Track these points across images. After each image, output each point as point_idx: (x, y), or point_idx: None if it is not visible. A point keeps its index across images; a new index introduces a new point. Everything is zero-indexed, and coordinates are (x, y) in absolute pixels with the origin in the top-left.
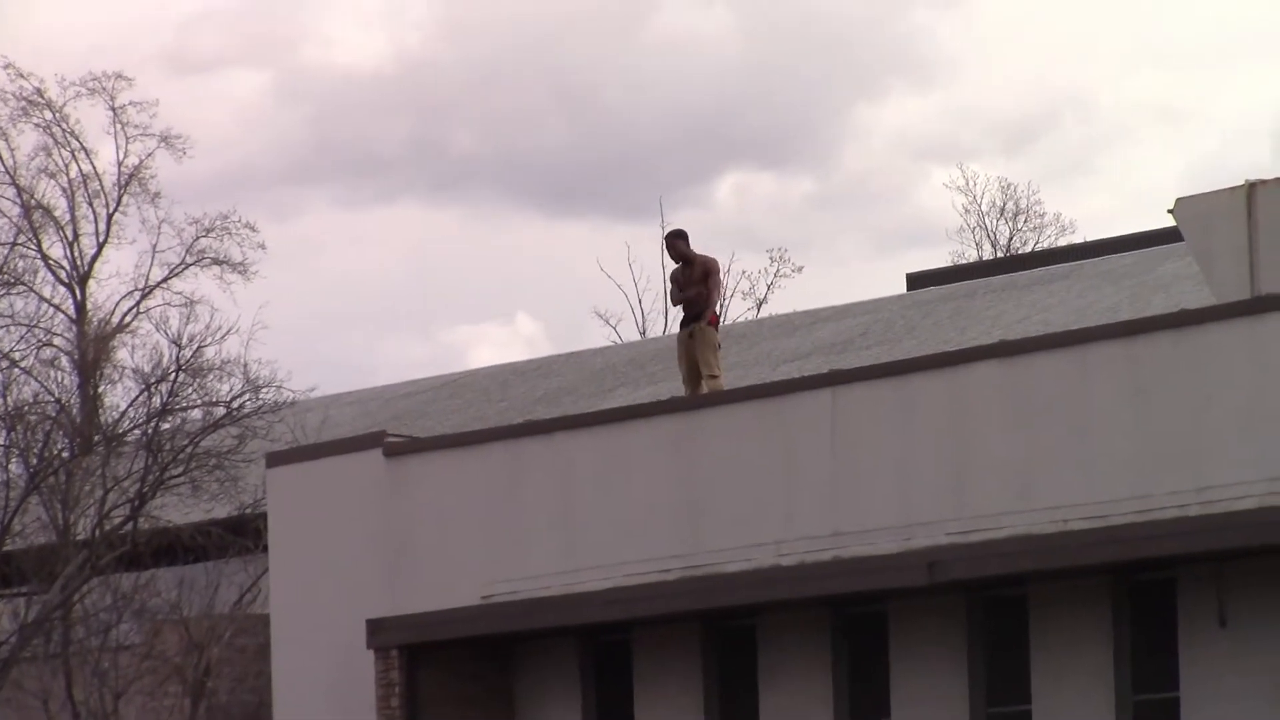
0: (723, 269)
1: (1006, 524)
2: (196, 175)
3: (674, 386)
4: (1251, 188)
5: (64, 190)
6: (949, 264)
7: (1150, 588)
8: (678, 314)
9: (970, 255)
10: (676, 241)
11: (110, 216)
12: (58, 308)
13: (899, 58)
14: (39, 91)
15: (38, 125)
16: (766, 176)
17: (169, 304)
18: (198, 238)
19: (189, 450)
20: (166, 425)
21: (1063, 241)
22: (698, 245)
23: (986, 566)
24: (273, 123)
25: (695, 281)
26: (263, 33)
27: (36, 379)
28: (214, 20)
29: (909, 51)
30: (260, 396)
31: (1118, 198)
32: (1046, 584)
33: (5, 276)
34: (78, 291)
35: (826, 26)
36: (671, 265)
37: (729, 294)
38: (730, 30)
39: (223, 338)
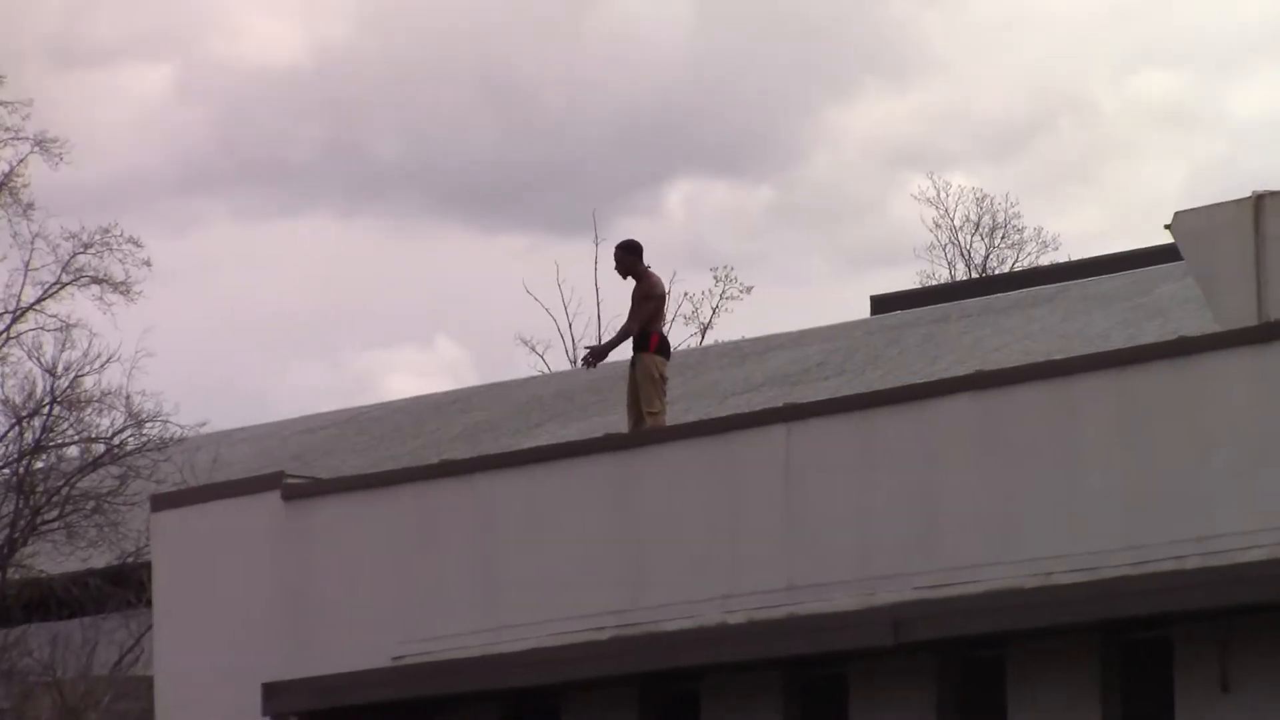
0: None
1: (983, 577)
2: (81, 183)
3: (608, 422)
4: (1259, 200)
5: None
6: (918, 285)
7: (1145, 649)
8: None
9: (942, 275)
10: (627, 256)
11: None
12: None
13: (874, 54)
14: None
15: None
16: (721, 185)
17: (43, 328)
18: (75, 254)
19: (64, 492)
20: (40, 464)
21: (1046, 260)
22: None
23: (960, 625)
24: (170, 124)
25: (638, 300)
26: (162, 22)
27: None
28: (106, 7)
29: (886, 47)
30: (144, 432)
31: (1110, 211)
32: (1028, 644)
33: None
34: None
35: (793, 18)
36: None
37: (670, 319)
38: (684, 21)
39: (103, 366)
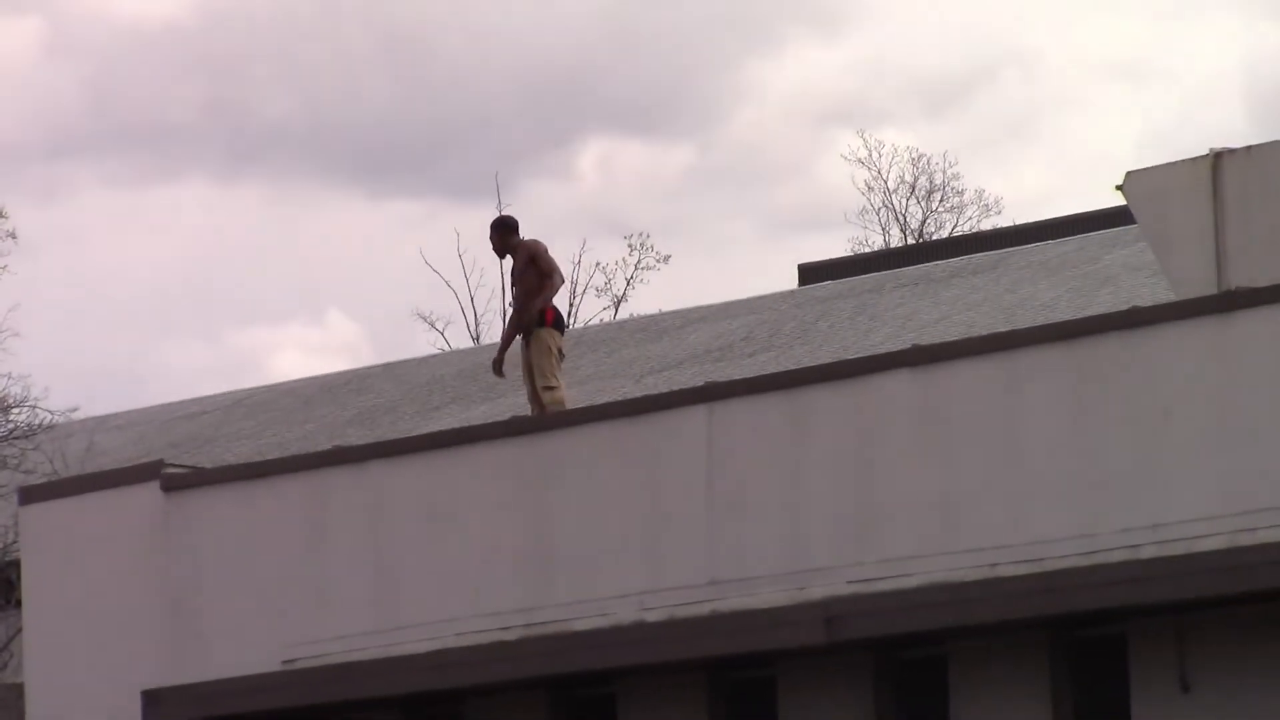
0: (560, 254)
1: (922, 569)
2: None
3: (515, 404)
4: (1217, 158)
5: None
6: (850, 253)
7: (1097, 645)
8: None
9: (875, 242)
10: (501, 231)
11: None
12: None
13: (800, 1)
14: None
15: None
16: (635, 145)
17: None
18: None
19: None
20: None
21: (988, 225)
22: (553, 234)
23: (898, 621)
24: (36, 84)
25: (521, 275)
26: None
27: None
28: None
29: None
30: (10, 418)
31: (1057, 172)
32: (971, 641)
33: None
34: None
35: None
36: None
37: (579, 291)
38: None
39: None
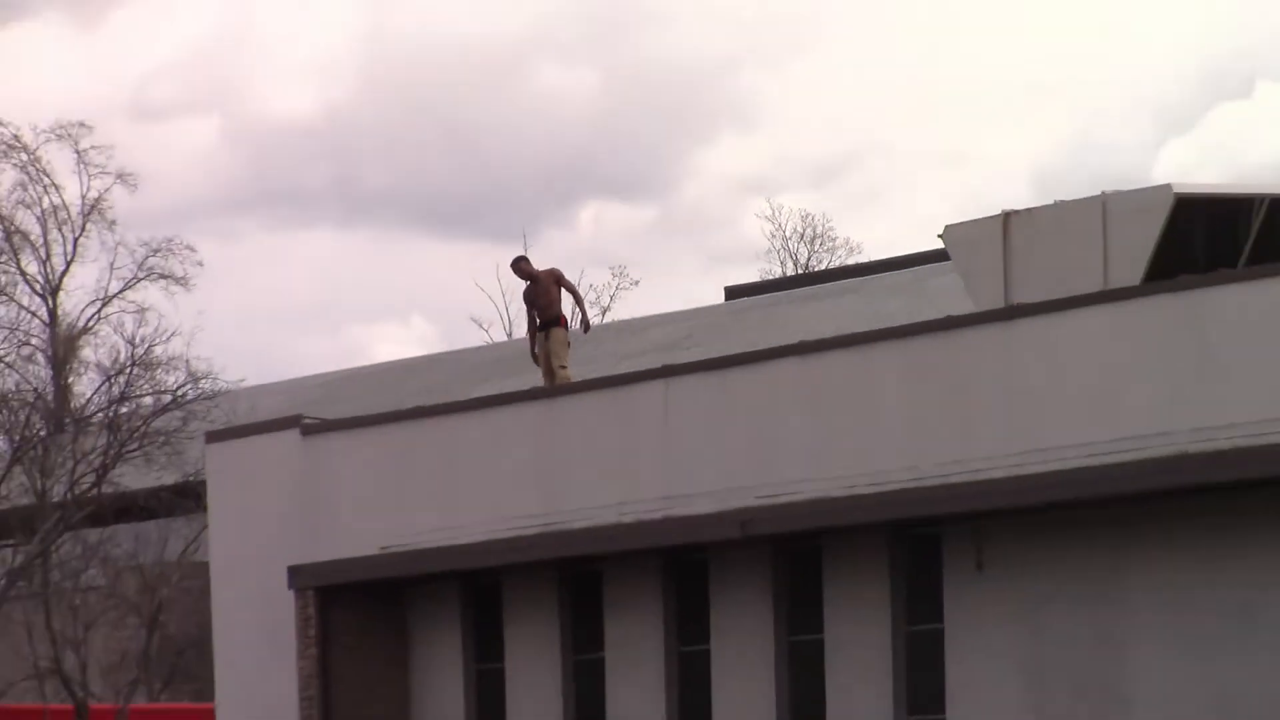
0: (572, 278)
1: (804, 489)
2: (151, 205)
3: (535, 378)
4: (1007, 217)
5: (38, 219)
6: (759, 279)
7: (920, 540)
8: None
9: (777, 272)
10: (521, 264)
11: (75, 240)
12: (34, 314)
13: (728, 109)
14: (16, 137)
15: (15, 165)
16: (618, 207)
17: (124, 311)
18: (147, 257)
19: (142, 430)
20: (124, 410)
21: (852, 261)
22: (563, 265)
23: (788, 524)
24: (216, 159)
25: (550, 291)
26: (211, 86)
27: (17, 372)
28: (170, 74)
29: (736, 104)
30: (199, 386)
31: (900, 225)
32: (836, 538)
33: None
34: (50, 301)
35: (672, 84)
36: (524, 291)
37: (591, 303)
38: (592, 86)
39: (168, 338)
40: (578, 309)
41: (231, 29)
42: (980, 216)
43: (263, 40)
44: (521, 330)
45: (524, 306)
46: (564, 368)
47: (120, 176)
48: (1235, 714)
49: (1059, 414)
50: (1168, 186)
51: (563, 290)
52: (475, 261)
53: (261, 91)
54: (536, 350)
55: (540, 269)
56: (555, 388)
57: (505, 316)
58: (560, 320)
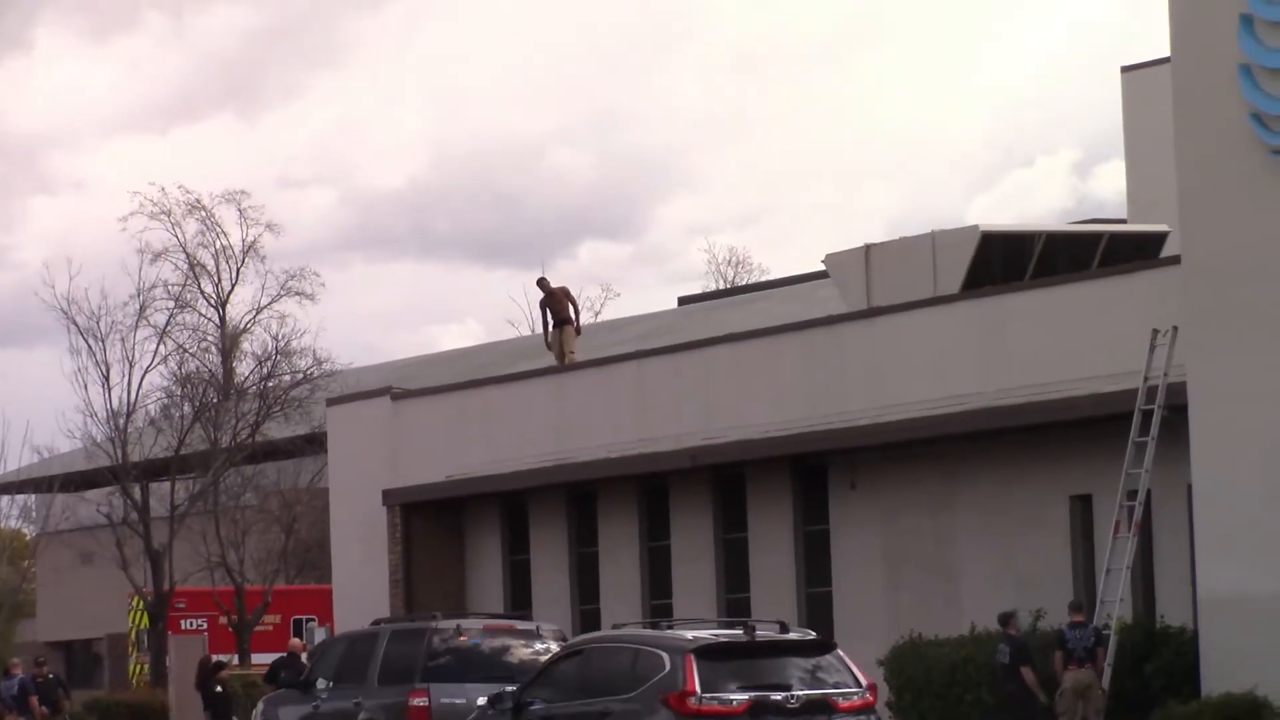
0: (574, 292)
1: (734, 434)
2: (290, 245)
3: (550, 360)
4: (868, 248)
5: (212, 255)
6: (702, 291)
7: (812, 469)
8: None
9: (713, 286)
10: (542, 282)
11: (238, 270)
12: (209, 320)
13: (682, 177)
14: (198, 200)
15: (197, 219)
16: (607, 244)
17: (271, 317)
18: (287, 280)
19: (283, 398)
20: (270, 384)
21: (764, 279)
22: (570, 284)
23: (723, 457)
24: (334, 217)
25: (561, 301)
26: (330, 162)
27: (198, 359)
28: (304, 156)
29: (688, 174)
30: (322, 368)
31: (796, 255)
32: (756, 467)
33: (181, 303)
34: (220, 311)
35: (644, 161)
36: (539, 300)
37: (585, 309)
38: (590, 163)
39: (301, 336)
40: (575, 315)
41: (343, 125)
42: (850, 248)
43: (364, 132)
44: (539, 328)
45: (541, 310)
46: (573, 353)
47: (269, 226)
48: (1029, 585)
49: (906, 380)
50: (976, 226)
51: (570, 302)
52: (509, 282)
53: (365, 168)
54: (550, 341)
55: (555, 286)
56: (564, 366)
57: (529, 319)
58: (569, 321)
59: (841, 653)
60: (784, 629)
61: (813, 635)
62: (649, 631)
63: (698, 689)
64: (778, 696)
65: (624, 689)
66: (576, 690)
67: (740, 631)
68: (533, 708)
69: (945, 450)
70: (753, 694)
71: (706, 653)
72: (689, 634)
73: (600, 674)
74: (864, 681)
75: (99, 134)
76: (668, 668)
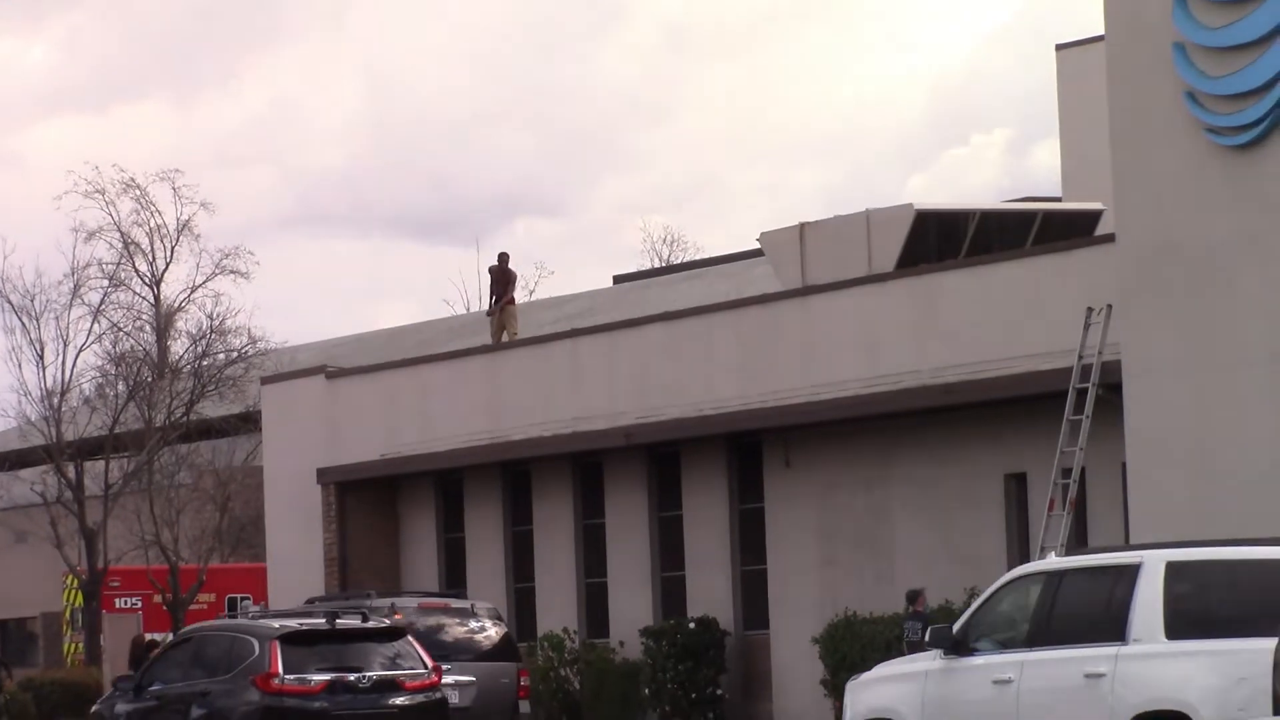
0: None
1: (669, 412)
2: (225, 224)
3: (485, 338)
4: (803, 226)
5: (146, 234)
6: (636, 270)
7: (747, 446)
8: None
9: (648, 265)
10: (504, 255)
11: (173, 248)
12: (144, 299)
13: (617, 157)
14: (132, 179)
15: (132, 198)
16: (544, 222)
17: (205, 296)
18: (221, 259)
19: (217, 376)
20: (205, 362)
21: (698, 257)
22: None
23: (657, 435)
24: (272, 197)
25: (504, 281)
26: (266, 142)
27: (133, 338)
28: (239, 136)
29: (622, 153)
30: (256, 346)
31: (730, 233)
32: (690, 445)
33: (115, 282)
34: (155, 290)
35: (580, 140)
36: (491, 268)
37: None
38: (527, 142)
39: (235, 314)
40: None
41: (280, 104)
42: (785, 226)
43: (301, 111)
44: (474, 306)
45: (490, 278)
46: (515, 333)
47: (203, 204)
48: (963, 563)
49: (840, 358)
50: (910, 205)
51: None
52: (446, 260)
53: (302, 147)
54: (490, 314)
55: (509, 266)
56: (499, 344)
57: (464, 298)
58: (511, 300)
59: (411, 639)
60: (365, 618)
61: (388, 624)
62: (245, 621)
63: (280, 670)
64: (352, 677)
65: (223, 671)
66: (186, 672)
67: (323, 620)
68: (151, 688)
69: (880, 428)
70: (330, 675)
71: (290, 639)
72: (276, 623)
73: (205, 658)
74: (429, 664)
75: (34, 112)
76: (257, 652)
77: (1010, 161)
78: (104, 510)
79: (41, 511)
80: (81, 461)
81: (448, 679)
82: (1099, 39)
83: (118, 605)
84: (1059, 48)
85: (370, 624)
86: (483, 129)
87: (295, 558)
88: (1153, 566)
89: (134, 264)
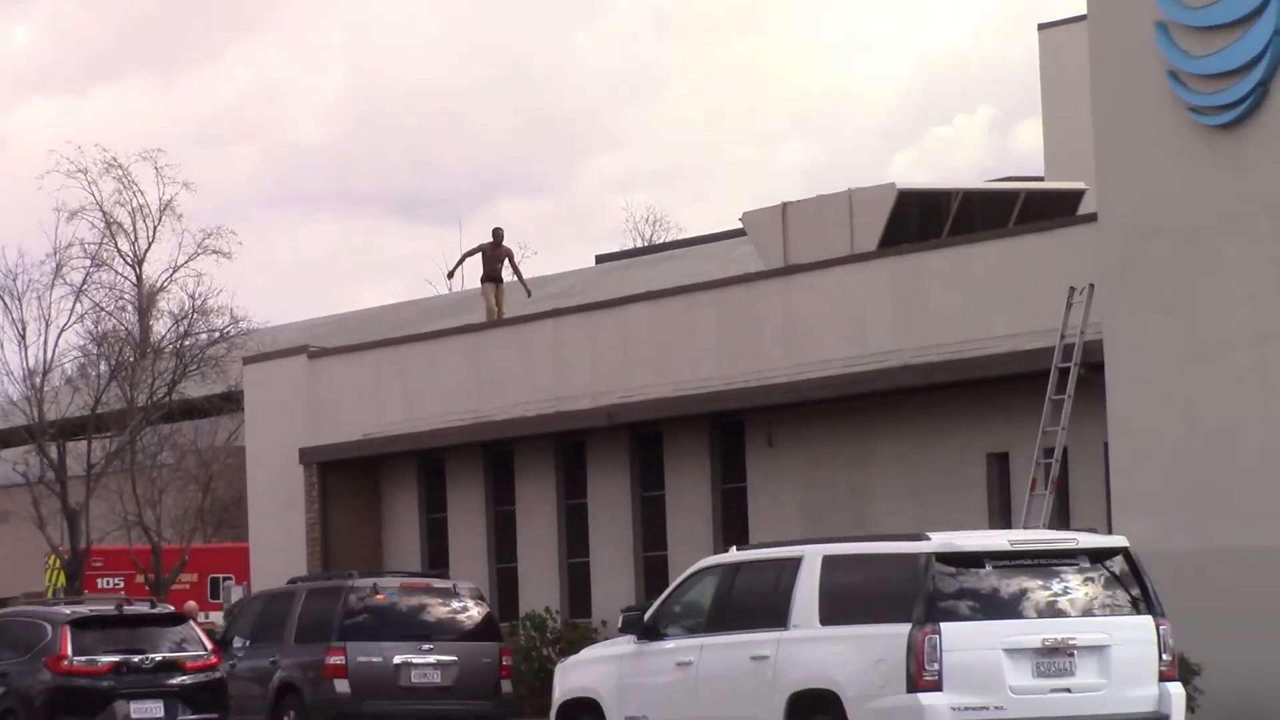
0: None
1: (651, 392)
2: (208, 203)
3: (470, 317)
4: (785, 206)
5: (129, 213)
6: (619, 249)
7: (731, 425)
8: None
9: (631, 245)
10: (498, 231)
11: (155, 228)
12: (126, 279)
13: (601, 137)
14: (114, 159)
15: (114, 177)
16: (528, 202)
17: (188, 275)
18: (204, 239)
19: (199, 356)
20: (187, 342)
21: (681, 236)
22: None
23: (640, 415)
24: (254, 176)
25: (498, 259)
26: (250, 121)
27: (115, 318)
28: (223, 115)
29: (606, 134)
30: (239, 326)
31: (713, 213)
32: (673, 425)
33: (97, 261)
34: (137, 269)
35: (565, 120)
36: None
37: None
38: (512, 121)
39: (218, 294)
40: (518, 276)
41: (263, 83)
42: (767, 206)
43: (284, 90)
44: (460, 286)
45: (481, 250)
46: (502, 311)
47: (185, 184)
48: None
49: (823, 338)
50: (892, 184)
51: (508, 261)
52: (429, 239)
53: (285, 126)
54: (456, 268)
55: (504, 243)
56: (484, 323)
57: (444, 280)
58: (500, 278)
59: (194, 624)
60: (153, 605)
61: (171, 609)
62: (42, 608)
63: (70, 653)
64: (136, 658)
65: (22, 653)
66: None
67: (112, 607)
68: None
69: (862, 408)
70: (117, 657)
71: (80, 624)
72: (68, 609)
73: (8, 641)
74: (210, 647)
75: (16, 92)
76: (49, 636)
77: (994, 140)
78: (86, 490)
79: (24, 491)
80: (64, 441)
81: (430, 658)
82: (1081, 18)
83: (100, 585)
84: (1041, 27)
85: (155, 610)
86: (466, 108)
87: (277, 538)
88: (811, 559)
89: (116, 244)
